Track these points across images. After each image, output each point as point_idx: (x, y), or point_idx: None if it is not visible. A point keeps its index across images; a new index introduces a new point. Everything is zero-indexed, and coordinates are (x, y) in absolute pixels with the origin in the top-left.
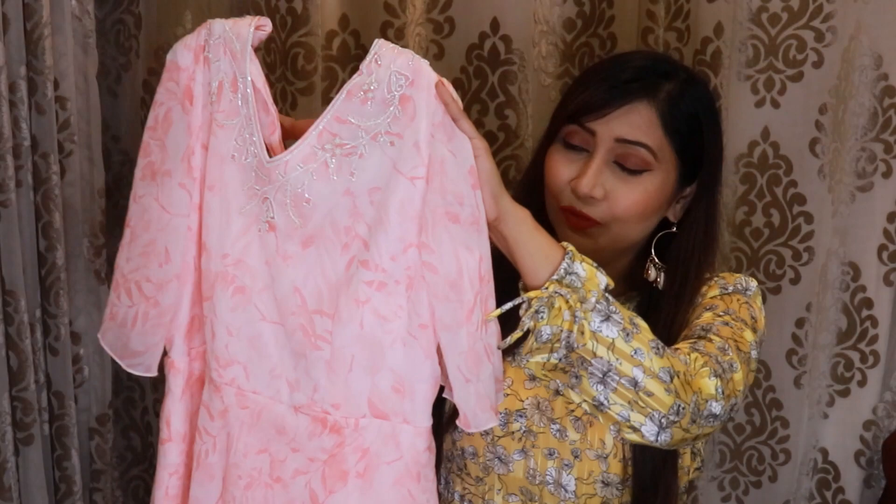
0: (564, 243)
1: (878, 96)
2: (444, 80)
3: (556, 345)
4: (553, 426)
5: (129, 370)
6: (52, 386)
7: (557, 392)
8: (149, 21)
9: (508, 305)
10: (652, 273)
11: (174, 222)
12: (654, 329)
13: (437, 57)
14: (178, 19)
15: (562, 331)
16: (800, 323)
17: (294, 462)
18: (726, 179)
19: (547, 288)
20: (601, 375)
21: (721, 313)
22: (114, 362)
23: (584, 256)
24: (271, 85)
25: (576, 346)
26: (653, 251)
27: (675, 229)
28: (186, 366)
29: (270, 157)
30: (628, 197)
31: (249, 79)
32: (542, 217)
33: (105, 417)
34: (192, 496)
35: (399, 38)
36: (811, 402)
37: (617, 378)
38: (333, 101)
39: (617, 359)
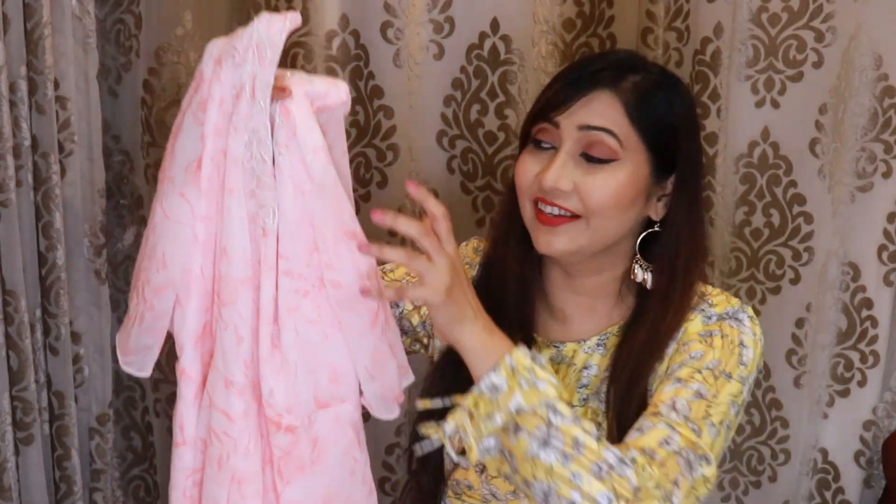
0: (515, 349)
1: (878, 96)
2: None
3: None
4: None
5: (124, 367)
6: (52, 386)
7: None
8: (149, 21)
9: (438, 403)
10: (639, 273)
11: (173, 229)
12: (641, 331)
13: (436, 57)
14: (178, 19)
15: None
16: (800, 323)
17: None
18: (726, 179)
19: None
20: (543, 496)
21: (697, 372)
22: (114, 361)
23: (536, 367)
24: None
25: (516, 468)
26: (637, 251)
27: (657, 228)
28: (198, 372)
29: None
30: (599, 187)
31: (269, 84)
32: (524, 229)
33: (105, 417)
34: (211, 496)
35: (399, 38)
36: (811, 402)
37: (557, 499)
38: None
39: (555, 482)
